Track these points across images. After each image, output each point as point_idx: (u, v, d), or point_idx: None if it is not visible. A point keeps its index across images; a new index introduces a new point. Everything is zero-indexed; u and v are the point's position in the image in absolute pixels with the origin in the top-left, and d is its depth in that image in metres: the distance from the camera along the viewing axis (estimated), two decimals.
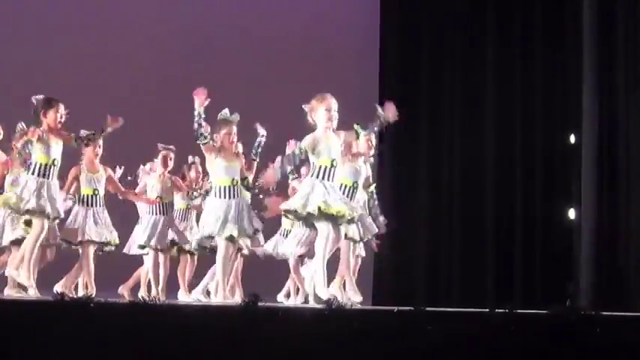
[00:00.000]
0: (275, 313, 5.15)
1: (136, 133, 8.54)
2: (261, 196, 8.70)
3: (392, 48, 11.65)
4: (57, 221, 7.94)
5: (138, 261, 9.18)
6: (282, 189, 8.65)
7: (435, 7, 11.61)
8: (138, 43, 11.07)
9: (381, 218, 8.20)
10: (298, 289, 9.18)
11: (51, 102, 7.67)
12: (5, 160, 8.29)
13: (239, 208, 7.71)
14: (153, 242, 8.65)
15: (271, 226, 8.97)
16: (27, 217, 7.62)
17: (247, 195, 8.16)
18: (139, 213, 9.16)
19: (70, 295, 6.62)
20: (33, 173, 7.55)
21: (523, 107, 11.31)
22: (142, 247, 8.72)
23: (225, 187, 7.69)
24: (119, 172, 8.81)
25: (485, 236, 11.22)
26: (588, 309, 5.70)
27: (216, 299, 7.71)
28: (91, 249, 8.27)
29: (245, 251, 8.64)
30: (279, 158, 7.24)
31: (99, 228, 8.28)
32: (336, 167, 7.12)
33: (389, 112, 7.71)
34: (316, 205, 6.91)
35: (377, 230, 8.11)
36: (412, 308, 5.42)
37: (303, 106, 7.17)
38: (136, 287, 9.24)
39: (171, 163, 8.81)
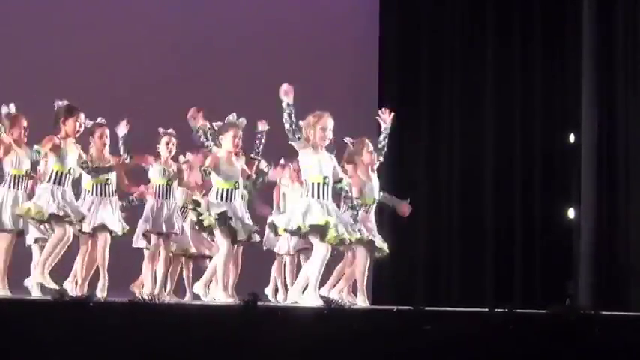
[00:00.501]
0: (274, 312, 5.15)
1: (135, 134, 8.53)
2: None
3: (391, 48, 11.65)
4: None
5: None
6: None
7: (435, 7, 11.62)
8: (138, 43, 11.06)
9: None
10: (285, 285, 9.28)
11: (72, 110, 7.73)
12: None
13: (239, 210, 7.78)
14: (153, 226, 8.53)
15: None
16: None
17: (246, 195, 8.19)
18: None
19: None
20: (49, 182, 7.64)
21: (523, 107, 11.33)
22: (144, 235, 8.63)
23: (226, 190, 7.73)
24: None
25: (484, 236, 11.23)
26: (587, 308, 5.71)
27: (217, 297, 7.75)
28: (107, 237, 8.25)
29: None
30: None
31: (115, 216, 8.27)
32: (328, 185, 7.20)
33: (387, 119, 8.03)
34: (303, 221, 7.07)
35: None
36: (412, 308, 5.42)
37: (300, 123, 7.22)
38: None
39: (173, 148, 8.69)
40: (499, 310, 5.45)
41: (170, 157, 8.67)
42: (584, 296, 10.49)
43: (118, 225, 8.33)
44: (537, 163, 11.26)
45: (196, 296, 8.40)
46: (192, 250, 8.92)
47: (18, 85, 10.02)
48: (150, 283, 8.56)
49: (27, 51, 10.85)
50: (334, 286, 8.17)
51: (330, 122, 7.25)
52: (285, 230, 7.24)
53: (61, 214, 7.54)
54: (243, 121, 7.88)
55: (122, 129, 8.39)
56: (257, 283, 8.63)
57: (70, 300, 4.91)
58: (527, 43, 11.37)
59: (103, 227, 8.23)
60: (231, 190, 7.73)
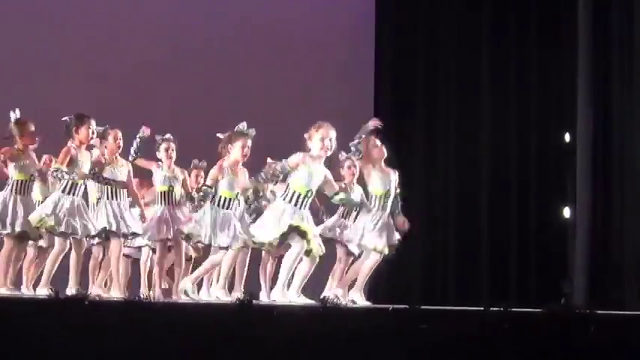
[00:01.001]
0: (270, 311, 5.16)
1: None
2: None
3: (387, 49, 11.62)
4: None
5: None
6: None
7: (431, 8, 11.61)
8: (137, 43, 11.03)
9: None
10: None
11: (83, 118, 7.79)
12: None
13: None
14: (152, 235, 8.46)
15: None
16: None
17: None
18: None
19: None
20: (63, 191, 7.73)
21: (518, 106, 11.32)
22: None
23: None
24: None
25: (480, 235, 11.23)
26: (583, 307, 5.72)
27: (215, 293, 7.81)
28: (119, 242, 8.12)
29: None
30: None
31: (127, 220, 8.16)
32: (310, 198, 7.22)
33: (369, 123, 7.95)
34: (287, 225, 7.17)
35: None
36: (407, 307, 5.42)
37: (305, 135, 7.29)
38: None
39: (173, 154, 8.53)
40: (495, 309, 5.46)
41: (172, 162, 8.48)
42: (579, 295, 10.50)
43: (134, 224, 8.18)
44: (533, 162, 11.26)
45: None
46: (192, 253, 8.84)
47: (18, 84, 10.03)
48: (145, 284, 8.56)
49: (26, 51, 10.82)
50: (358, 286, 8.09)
51: (331, 132, 7.27)
52: (271, 245, 7.33)
53: (69, 231, 7.69)
54: (252, 131, 7.78)
55: (145, 131, 8.27)
56: (257, 283, 8.61)
57: (64, 299, 4.91)
58: (523, 43, 11.36)
59: (113, 233, 8.09)
60: (232, 199, 7.74)
